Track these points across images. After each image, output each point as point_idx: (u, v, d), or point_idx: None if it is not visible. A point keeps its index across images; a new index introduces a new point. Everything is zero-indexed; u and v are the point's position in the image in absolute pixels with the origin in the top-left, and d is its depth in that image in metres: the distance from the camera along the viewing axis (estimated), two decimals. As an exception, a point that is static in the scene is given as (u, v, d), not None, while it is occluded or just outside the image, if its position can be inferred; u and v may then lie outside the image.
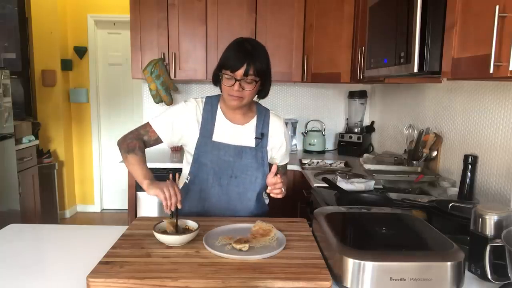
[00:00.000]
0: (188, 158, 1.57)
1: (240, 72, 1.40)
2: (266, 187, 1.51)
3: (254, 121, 1.57)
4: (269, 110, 1.65)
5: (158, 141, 1.54)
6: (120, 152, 1.49)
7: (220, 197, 1.54)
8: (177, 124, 1.53)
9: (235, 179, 1.53)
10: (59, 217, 4.22)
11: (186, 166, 1.59)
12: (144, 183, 1.32)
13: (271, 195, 1.42)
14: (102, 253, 1.10)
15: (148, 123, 1.55)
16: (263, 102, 1.60)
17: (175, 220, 1.25)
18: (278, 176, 1.39)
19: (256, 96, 1.53)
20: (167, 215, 1.30)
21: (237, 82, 1.41)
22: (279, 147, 1.61)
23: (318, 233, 1.22)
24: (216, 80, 1.52)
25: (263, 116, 1.59)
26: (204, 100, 1.57)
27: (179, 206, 1.26)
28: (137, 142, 1.48)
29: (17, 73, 3.87)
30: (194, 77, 3.00)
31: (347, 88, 3.33)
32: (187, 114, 1.53)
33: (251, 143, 1.55)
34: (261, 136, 1.56)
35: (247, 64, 1.39)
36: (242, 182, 1.54)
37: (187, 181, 1.57)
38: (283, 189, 1.41)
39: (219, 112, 1.55)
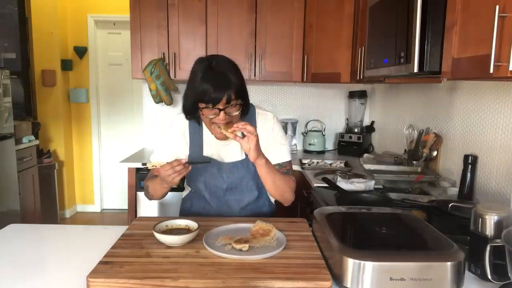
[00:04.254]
0: None
1: (223, 102, 1.28)
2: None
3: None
4: (255, 107, 1.50)
5: None
6: (150, 198, 1.52)
7: (220, 207, 1.54)
8: (171, 149, 1.50)
9: (230, 190, 1.52)
10: (59, 217, 4.22)
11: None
12: (164, 183, 1.36)
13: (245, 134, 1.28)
14: (102, 253, 1.10)
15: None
16: (261, 102, 1.58)
17: None
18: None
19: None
20: (167, 215, 1.31)
21: (222, 112, 1.29)
22: (272, 146, 1.49)
23: (318, 233, 1.22)
24: (192, 114, 1.40)
25: (249, 118, 1.46)
26: None
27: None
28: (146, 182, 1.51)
29: (17, 73, 3.87)
30: (194, 77, 2.99)
31: (347, 88, 3.33)
32: (174, 136, 1.51)
33: (241, 155, 1.49)
34: None
35: (227, 92, 1.27)
36: (239, 191, 1.53)
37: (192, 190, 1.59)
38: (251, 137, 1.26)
39: (204, 127, 1.48)
